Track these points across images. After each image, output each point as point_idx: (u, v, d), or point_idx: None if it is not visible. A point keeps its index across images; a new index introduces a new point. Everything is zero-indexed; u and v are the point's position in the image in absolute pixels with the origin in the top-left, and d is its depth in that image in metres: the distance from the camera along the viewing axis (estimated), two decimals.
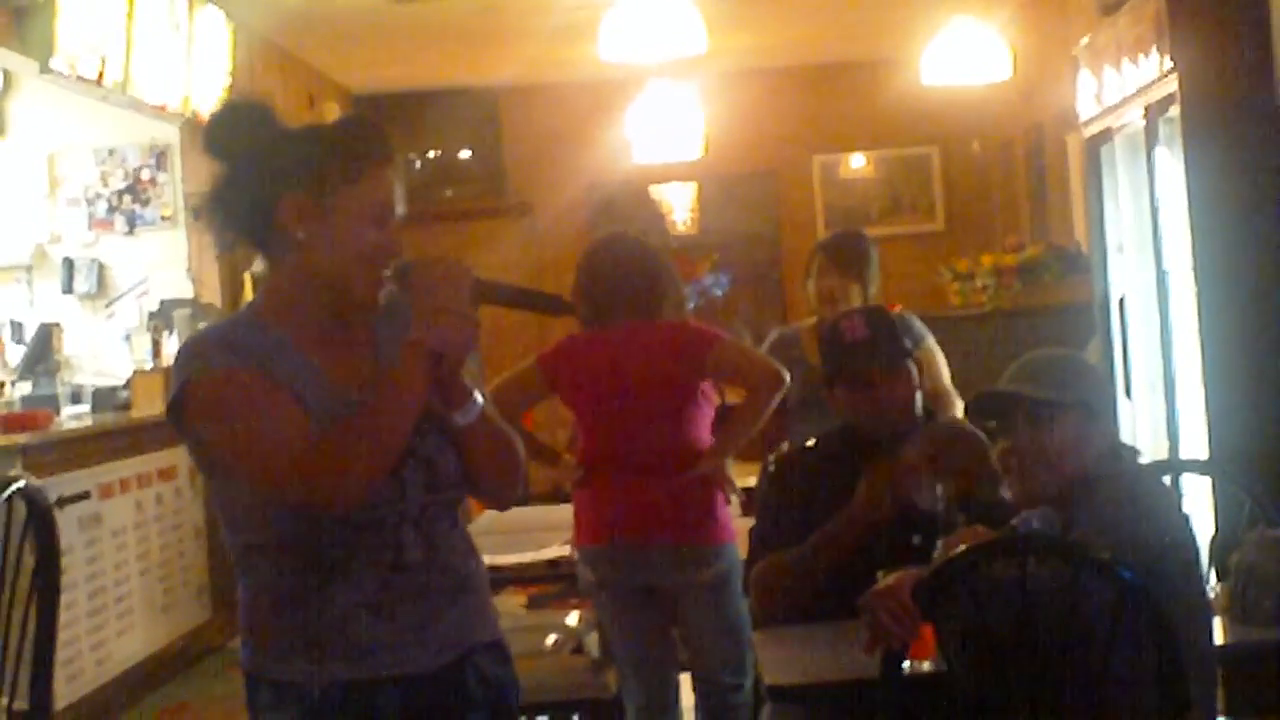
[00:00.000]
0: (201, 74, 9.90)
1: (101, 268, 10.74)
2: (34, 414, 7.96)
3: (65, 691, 7.19)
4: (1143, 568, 3.34)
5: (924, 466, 4.37)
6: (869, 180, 14.61)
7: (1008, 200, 13.14)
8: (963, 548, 3.50)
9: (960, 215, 14.31)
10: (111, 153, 10.75)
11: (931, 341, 6.43)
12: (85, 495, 7.73)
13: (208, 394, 2.93)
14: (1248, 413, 6.44)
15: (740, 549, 5.32)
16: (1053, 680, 3.33)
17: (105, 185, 10.77)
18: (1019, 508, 3.81)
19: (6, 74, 10.50)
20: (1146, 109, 7.09)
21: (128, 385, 9.09)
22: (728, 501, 5.64)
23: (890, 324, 4.66)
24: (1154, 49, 6.79)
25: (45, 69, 8.21)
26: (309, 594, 2.97)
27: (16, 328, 10.18)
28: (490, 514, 6.54)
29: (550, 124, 14.13)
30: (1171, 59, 6.59)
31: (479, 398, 3.03)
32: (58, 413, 8.63)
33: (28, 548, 4.26)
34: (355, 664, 2.98)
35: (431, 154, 14.30)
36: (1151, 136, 7.15)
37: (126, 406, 8.92)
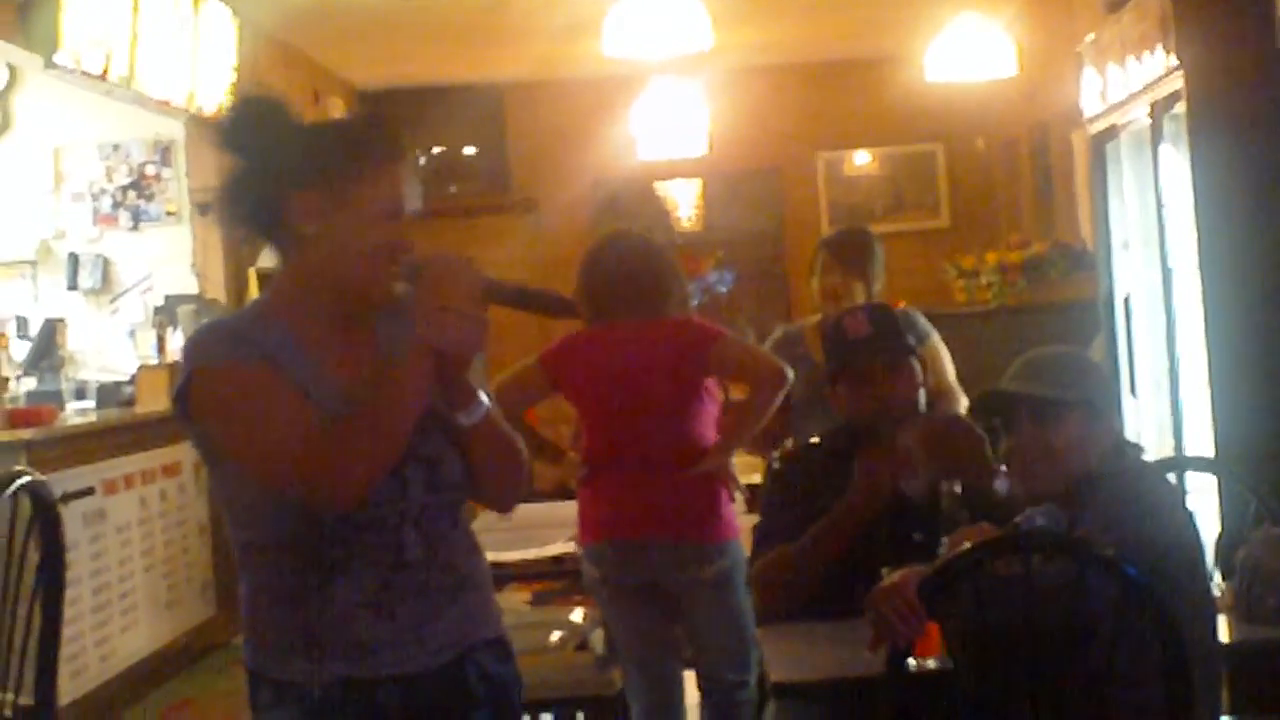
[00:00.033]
0: (206, 69, 9.90)
1: (106, 263, 10.76)
2: (39, 410, 7.96)
3: (69, 687, 7.19)
4: (1147, 565, 3.34)
5: (917, 455, 4.38)
6: (874, 177, 14.60)
7: (1012, 197, 13.13)
8: (967, 545, 3.50)
9: (965, 212, 14.30)
10: (116, 148, 10.77)
11: (936, 338, 6.42)
12: (90, 491, 7.73)
13: (214, 386, 2.94)
14: (1253, 410, 6.44)
15: (744, 546, 5.32)
16: (1057, 678, 3.33)
17: (110, 181, 10.78)
18: (1023, 505, 3.81)
19: (11, 69, 10.52)
20: (1152, 106, 7.09)
21: (132, 381, 9.09)
22: (732, 499, 5.64)
23: (893, 321, 4.66)
24: (1159, 46, 6.79)
25: (50, 64, 8.21)
26: (309, 592, 2.97)
27: (21, 323, 10.18)
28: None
29: (555, 120, 14.13)
30: (1177, 56, 6.59)
31: (485, 399, 3.03)
32: (62, 408, 8.63)
33: (32, 544, 4.27)
34: (355, 663, 2.98)
35: (436, 150, 14.30)
36: (1157, 133, 7.14)
37: (131, 402, 8.92)
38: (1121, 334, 7.98)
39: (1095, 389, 3.78)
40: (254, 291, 10.36)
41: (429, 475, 3.01)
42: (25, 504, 4.28)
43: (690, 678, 5.78)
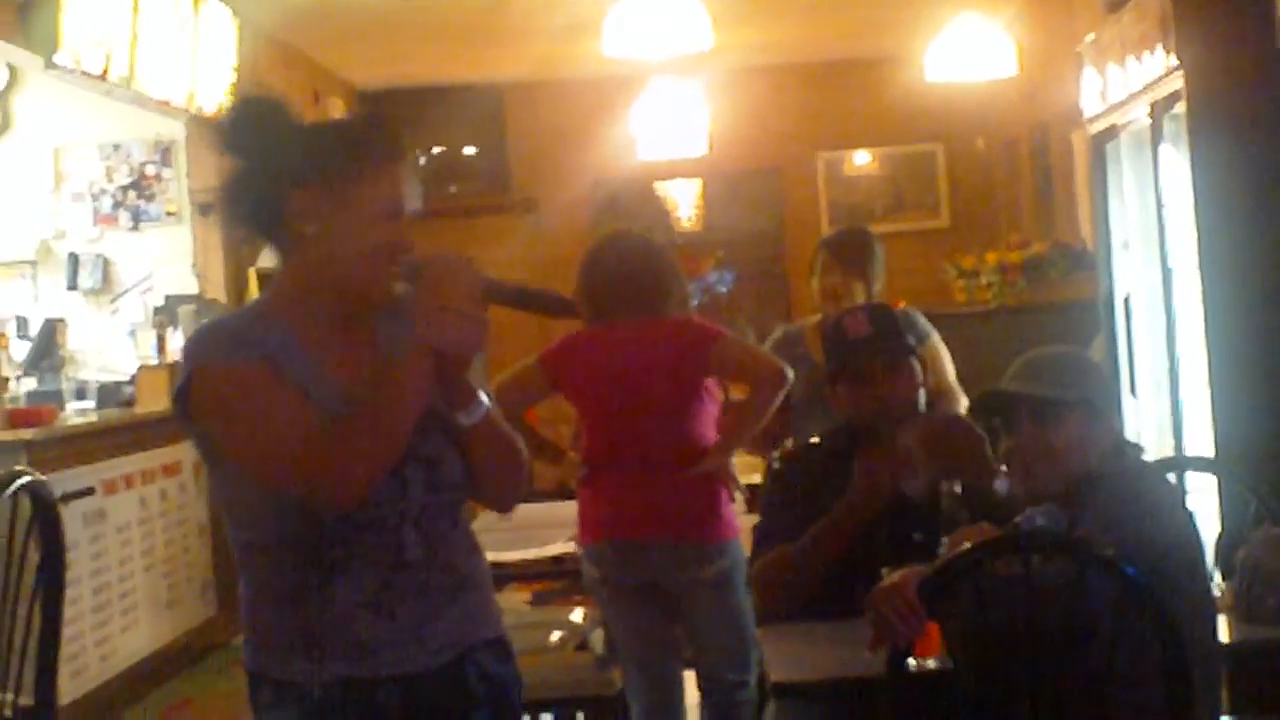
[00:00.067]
0: (206, 70, 9.90)
1: (106, 263, 10.76)
2: (39, 410, 7.96)
3: (69, 687, 7.19)
4: (1146, 565, 3.34)
5: (917, 455, 4.38)
6: (874, 177, 14.60)
7: (1012, 197, 13.13)
8: (967, 545, 3.50)
9: (965, 212, 14.30)
10: (116, 148, 10.77)
11: (936, 338, 6.42)
12: (90, 491, 7.73)
13: (214, 386, 2.94)
14: (1253, 410, 6.44)
15: (744, 546, 5.32)
16: (1057, 678, 3.33)
17: (110, 181, 10.79)
18: (1023, 505, 3.81)
19: (11, 69, 10.52)
20: (1152, 106, 7.09)
21: (132, 381, 9.09)
22: (732, 499, 5.64)
23: (893, 320, 4.66)
24: (1159, 46, 6.79)
25: (50, 64, 8.21)
26: (309, 592, 2.97)
27: (21, 323, 10.19)
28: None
29: (555, 120, 14.13)
30: (1177, 56, 6.59)
31: (485, 400, 3.03)
32: (62, 408, 8.63)
33: (33, 544, 4.27)
34: (355, 663, 2.98)
35: (436, 150, 14.30)
36: (1157, 133, 7.14)
37: (131, 402, 8.92)
38: (1121, 334, 7.98)
39: (1095, 389, 3.78)
40: (254, 291, 10.36)
41: (429, 475, 3.01)
42: (25, 504, 4.29)
43: (690, 678, 5.78)
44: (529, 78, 13.87)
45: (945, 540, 3.86)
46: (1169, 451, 7.13)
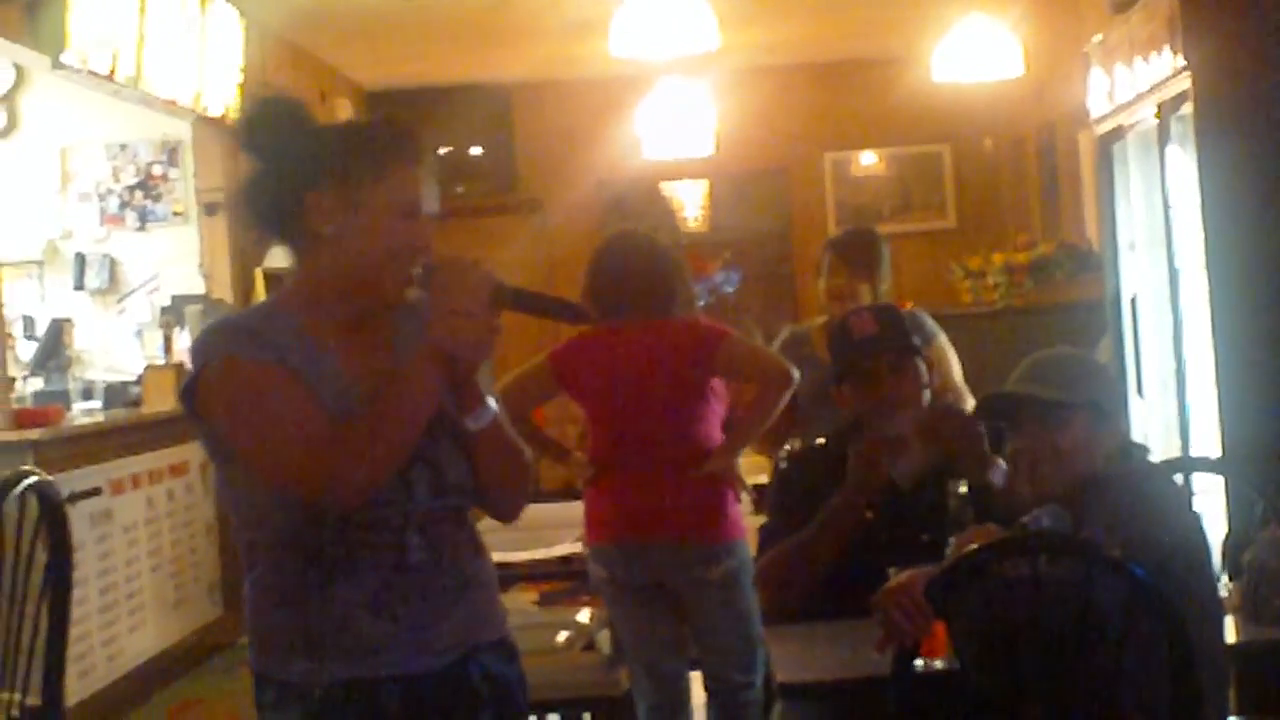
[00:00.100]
0: (213, 70, 9.91)
1: (113, 263, 10.77)
2: (45, 410, 7.97)
3: (77, 688, 7.20)
4: (1153, 566, 3.34)
5: (912, 444, 4.38)
6: (880, 178, 14.59)
7: (1019, 198, 13.13)
8: (975, 545, 3.50)
9: (972, 213, 14.29)
10: (123, 148, 10.77)
11: (943, 339, 6.41)
12: (96, 491, 7.73)
13: (222, 382, 2.94)
14: (1260, 411, 6.44)
15: (751, 546, 5.32)
16: (1064, 678, 3.33)
17: (117, 181, 10.79)
18: (1029, 506, 3.80)
19: (19, 69, 10.53)
20: (1159, 107, 7.09)
21: (139, 381, 9.10)
22: (738, 499, 5.64)
23: (899, 321, 4.65)
24: (1166, 47, 6.79)
25: (57, 64, 8.21)
26: (311, 592, 2.97)
27: (28, 323, 10.20)
28: None
29: (562, 121, 14.13)
30: (1184, 57, 6.59)
31: (492, 404, 3.03)
32: (69, 408, 8.64)
33: (40, 544, 4.27)
34: (356, 664, 2.98)
35: (443, 150, 14.29)
36: (1164, 134, 7.15)
37: (138, 402, 8.93)
38: (1128, 335, 7.98)
39: (1101, 391, 3.78)
40: (260, 292, 10.36)
41: (434, 478, 3.01)
42: (32, 504, 4.29)
43: (697, 678, 5.78)
44: (536, 78, 13.87)
45: (952, 541, 3.86)
46: (1176, 452, 7.13)
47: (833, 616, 4.20)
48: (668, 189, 14.69)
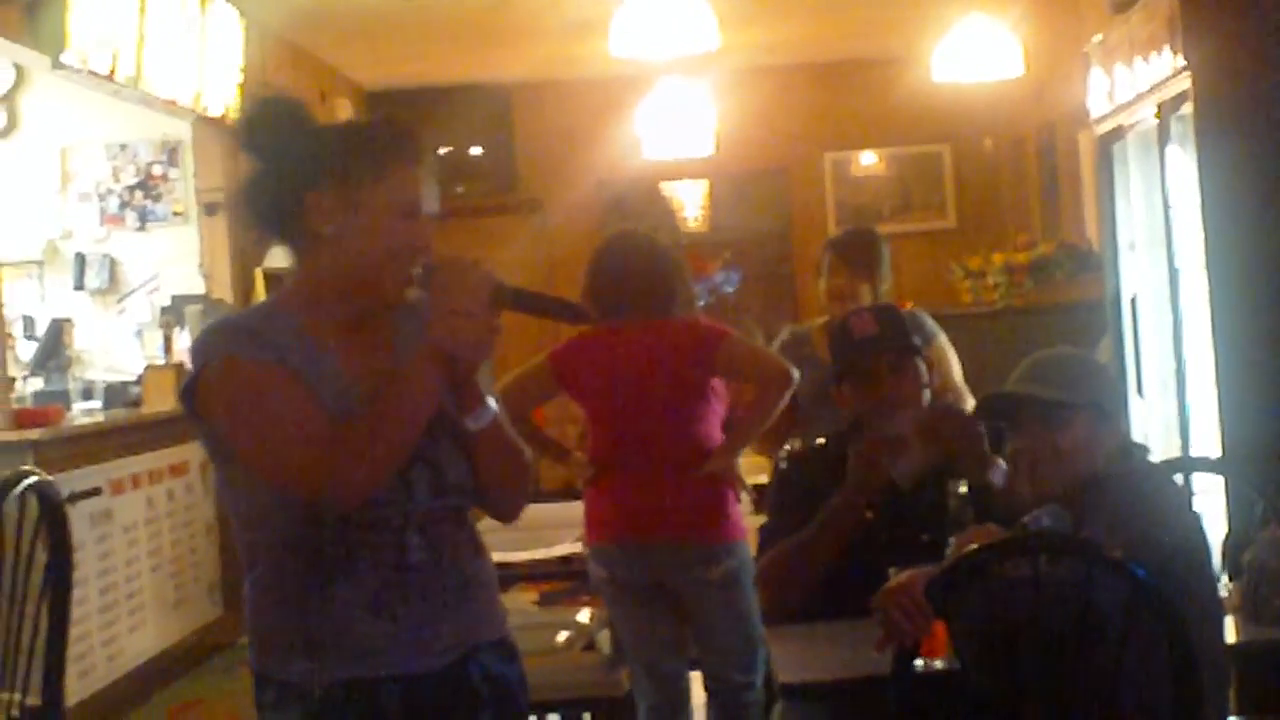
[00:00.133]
0: (213, 70, 9.91)
1: (113, 263, 10.77)
2: (45, 410, 7.97)
3: (77, 688, 7.20)
4: (1154, 566, 3.34)
5: (912, 443, 4.38)
6: (880, 178, 14.59)
7: (1019, 198, 13.13)
8: (975, 546, 3.50)
9: (972, 213, 14.29)
10: (123, 148, 10.78)
11: (943, 339, 6.41)
12: (96, 491, 7.73)
13: (222, 381, 2.94)
14: (1260, 411, 6.44)
15: (751, 546, 5.32)
16: (1065, 678, 3.33)
17: (117, 181, 10.79)
18: (1029, 506, 3.80)
19: (19, 69, 10.53)
20: (1159, 107, 7.08)
21: (139, 381, 9.10)
22: (738, 499, 5.64)
23: (899, 321, 4.65)
24: (1166, 47, 6.79)
25: (57, 64, 8.21)
26: (310, 593, 2.97)
27: (28, 323, 10.20)
28: None
29: (562, 121, 14.13)
30: (1184, 57, 6.59)
31: (492, 404, 3.03)
32: (69, 408, 8.63)
33: (40, 544, 4.27)
34: (356, 664, 2.97)
35: (443, 150, 14.28)
36: (1164, 134, 7.14)
37: (138, 402, 8.93)
38: (1128, 335, 7.98)
39: (1102, 391, 3.78)
40: (260, 292, 10.36)
41: (434, 479, 3.01)
42: (32, 504, 4.29)
43: (697, 678, 5.78)
44: (536, 78, 13.87)
45: (952, 541, 3.86)
46: (1176, 452, 7.13)
47: (833, 616, 4.20)
48: (668, 189, 14.69)
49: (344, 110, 12.58)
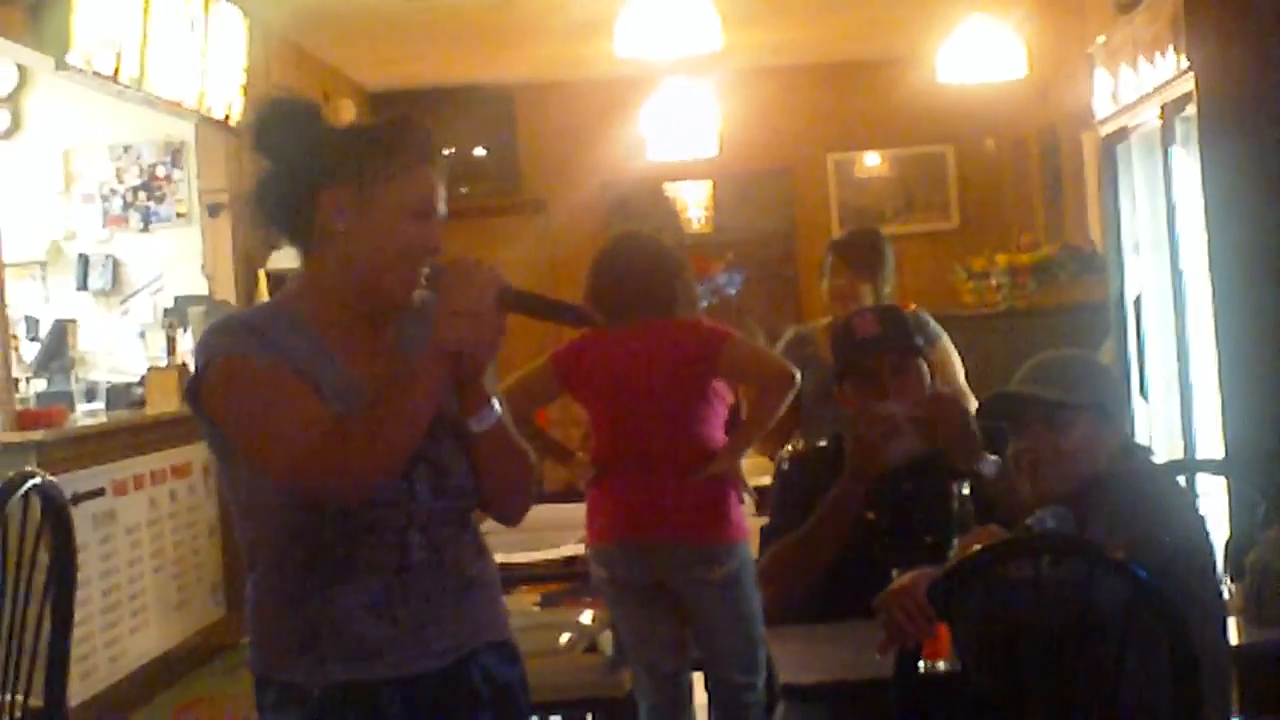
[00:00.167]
0: (217, 71, 9.91)
1: (116, 264, 10.77)
2: (49, 411, 7.97)
3: (79, 689, 7.19)
4: (1156, 567, 3.34)
5: (904, 427, 4.37)
6: (884, 179, 14.59)
7: (1023, 199, 13.12)
8: (978, 547, 3.50)
9: (975, 214, 14.28)
10: (127, 149, 10.78)
11: (946, 340, 6.41)
12: (100, 492, 7.74)
13: (226, 378, 2.95)
14: (1263, 413, 6.43)
15: (753, 548, 5.32)
16: (1067, 680, 3.33)
17: (120, 182, 10.80)
18: (1031, 508, 3.80)
19: (22, 70, 10.53)
20: (1163, 108, 7.08)
21: (142, 382, 9.10)
22: (741, 500, 5.64)
23: (902, 321, 4.65)
24: (1170, 48, 6.78)
25: (61, 65, 8.21)
26: (311, 594, 2.97)
27: (31, 324, 10.20)
28: None
29: (565, 121, 14.13)
30: (1188, 58, 6.58)
31: (496, 406, 3.03)
32: (72, 409, 8.64)
33: (43, 545, 4.27)
34: (356, 665, 2.98)
35: (447, 151, 14.24)
36: (1168, 136, 7.14)
37: (141, 403, 8.93)
38: (1132, 336, 7.97)
39: (1104, 392, 3.78)
40: (263, 293, 10.36)
41: (437, 480, 3.01)
42: (36, 505, 4.29)
43: (699, 679, 5.78)
44: (539, 78, 13.87)
45: (956, 542, 3.86)
46: (1179, 454, 7.12)
47: (835, 618, 4.19)
48: (671, 190, 14.69)
49: (347, 111, 12.57)
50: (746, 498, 5.74)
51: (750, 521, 5.64)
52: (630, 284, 5.62)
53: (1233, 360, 6.53)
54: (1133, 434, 6.66)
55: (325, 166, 2.99)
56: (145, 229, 10.79)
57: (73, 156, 10.80)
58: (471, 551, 3.10)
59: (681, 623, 5.67)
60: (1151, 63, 7.09)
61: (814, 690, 3.99)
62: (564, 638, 6.00)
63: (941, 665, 3.67)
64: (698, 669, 5.78)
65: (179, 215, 10.77)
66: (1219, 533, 5.08)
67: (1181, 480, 5.26)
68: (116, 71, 8.64)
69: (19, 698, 4.25)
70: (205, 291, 10.47)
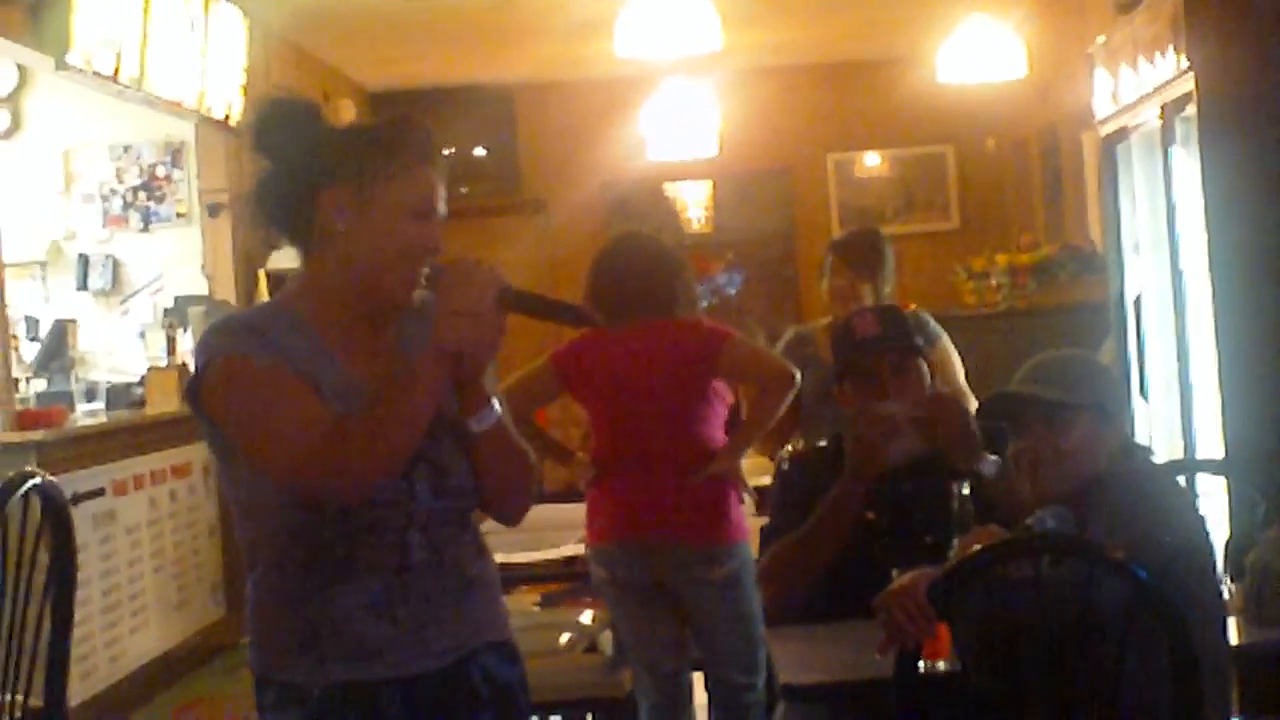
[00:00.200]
0: (217, 71, 9.91)
1: (116, 264, 10.78)
2: (49, 411, 7.97)
3: (79, 689, 7.19)
4: (1156, 567, 3.34)
5: (904, 427, 4.36)
6: (884, 179, 14.59)
7: (1023, 199, 13.11)
8: (978, 547, 3.50)
9: (975, 214, 14.28)
10: (127, 149, 10.78)
11: (946, 341, 6.41)
12: (100, 492, 7.74)
13: (225, 378, 2.95)
14: (1263, 413, 6.43)
15: (753, 548, 5.32)
16: (1067, 680, 3.33)
17: (120, 182, 10.80)
18: (1032, 508, 3.80)
19: (22, 70, 10.54)
20: (1163, 108, 7.08)
21: (142, 382, 9.10)
22: (741, 501, 5.64)
23: (902, 321, 4.64)
24: (1170, 48, 6.78)
25: (61, 65, 8.21)
26: (311, 594, 2.97)
27: (31, 324, 10.20)
28: None
29: (565, 121, 14.13)
30: (1188, 58, 6.58)
31: (497, 406, 3.03)
32: (72, 409, 8.64)
33: (43, 545, 4.27)
34: (355, 665, 2.98)
35: (446, 151, 14.24)
36: (1168, 136, 7.14)
37: (141, 403, 8.93)
38: (1132, 336, 7.97)
39: (1104, 392, 3.78)
40: (263, 293, 10.36)
41: (436, 480, 3.01)
42: (36, 505, 4.29)
43: (699, 679, 5.78)
44: (539, 78, 13.87)
45: (956, 542, 3.86)
46: (1180, 454, 7.12)
47: (835, 618, 4.19)
48: (671, 190, 14.69)
49: (346, 111, 12.57)
50: (746, 498, 5.74)
51: (750, 521, 5.64)
52: (630, 284, 5.62)
53: (1233, 360, 6.53)
54: (1133, 434, 6.66)
55: (325, 166, 2.99)
56: (145, 229, 10.79)
57: (73, 156, 10.80)
58: (471, 551, 3.10)
59: (681, 623, 5.67)
60: (1151, 63, 7.09)
61: (814, 690, 3.99)
62: (564, 638, 6.00)
63: (941, 665, 3.67)
64: (698, 669, 5.78)
65: (179, 215, 10.77)
66: (1219, 533, 5.08)
67: (1181, 480, 5.26)
68: (116, 71, 8.64)
69: (19, 698, 4.25)
70: (205, 291, 10.47)
